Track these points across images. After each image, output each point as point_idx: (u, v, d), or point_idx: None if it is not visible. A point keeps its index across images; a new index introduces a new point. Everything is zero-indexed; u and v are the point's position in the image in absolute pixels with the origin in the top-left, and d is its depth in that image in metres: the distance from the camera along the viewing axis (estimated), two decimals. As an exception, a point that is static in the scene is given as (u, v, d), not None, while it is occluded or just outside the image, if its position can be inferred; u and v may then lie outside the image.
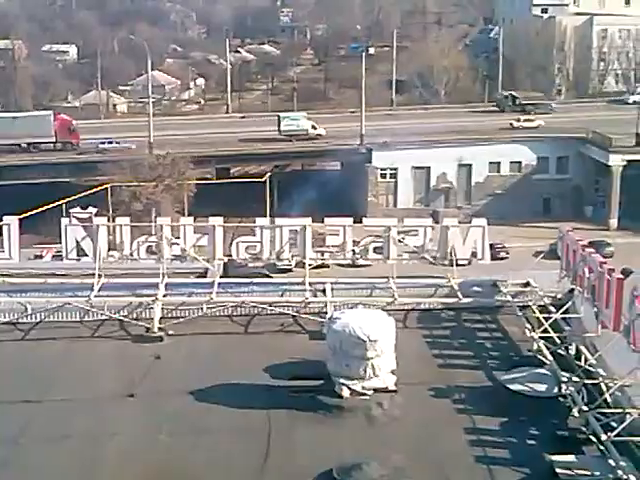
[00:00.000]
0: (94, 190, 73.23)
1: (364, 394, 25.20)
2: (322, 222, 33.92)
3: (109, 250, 33.15)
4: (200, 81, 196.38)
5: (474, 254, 34.45)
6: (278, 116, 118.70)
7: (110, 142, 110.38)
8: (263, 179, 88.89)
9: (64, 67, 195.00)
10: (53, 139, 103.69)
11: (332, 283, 32.80)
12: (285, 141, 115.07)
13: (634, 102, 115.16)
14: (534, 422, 24.12)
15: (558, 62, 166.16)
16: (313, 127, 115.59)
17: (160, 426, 24.09)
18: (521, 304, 31.47)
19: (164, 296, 31.23)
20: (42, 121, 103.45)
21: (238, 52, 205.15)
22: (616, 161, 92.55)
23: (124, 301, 31.26)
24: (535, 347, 28.04)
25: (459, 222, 35.89)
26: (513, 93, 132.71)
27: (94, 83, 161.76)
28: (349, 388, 25.23)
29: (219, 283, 32.00)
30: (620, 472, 20.52)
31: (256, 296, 32.13)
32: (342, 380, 25.28)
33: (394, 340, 25.75)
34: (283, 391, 25.65)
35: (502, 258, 71.81)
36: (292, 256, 34.82)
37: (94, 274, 31.61)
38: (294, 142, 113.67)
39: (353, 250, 33.95)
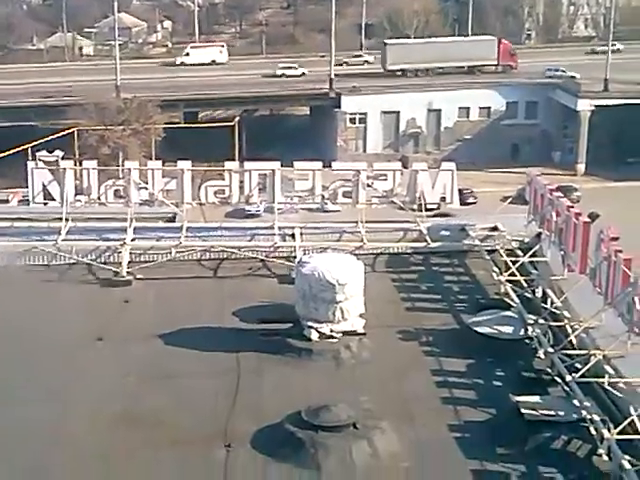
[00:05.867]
0: (61, 134, 72.17)
1: (333, 337, 25.33)
2: (291, 167, 33.81)
3: (76, 194, 32.90)
4: (167, 24, 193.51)
5: (443, 198, 34.56)
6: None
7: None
8: (232, 123, 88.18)
9: (29, 9, 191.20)
10: (495, 62, 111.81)
11: (301, 227, 32.80)
12: (253, 85, 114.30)
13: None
14: (500, 364, 24.42)
15: (528, 6, 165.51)
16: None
17: (129, 369, 24.12)
18: (489, 248, 31.67)
19: (132, 240, 31.09)
20: (487, 45, 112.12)
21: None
22: (584, 106, 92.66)
23: (92, 245, 31.10)
24: (502, 290, 28.31)
25: (428, 167, 35.95)
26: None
27: (59, 25, 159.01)
28: (318, 331, 25.36)
29: (188, 227, 31.88)
30: (584, 412, 20.84)
31: (225, 240, 32.08)
32: (311, 323, 25.39)
33: (363, 284, 25.86)
34: (252, 334, 25.74)
35: (470, 203, 71.98)
36: (261, 201, 34.79)
37: (61, 218, 31.37)
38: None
39: (322, 195, 33.92)
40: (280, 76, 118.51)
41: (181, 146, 74.38)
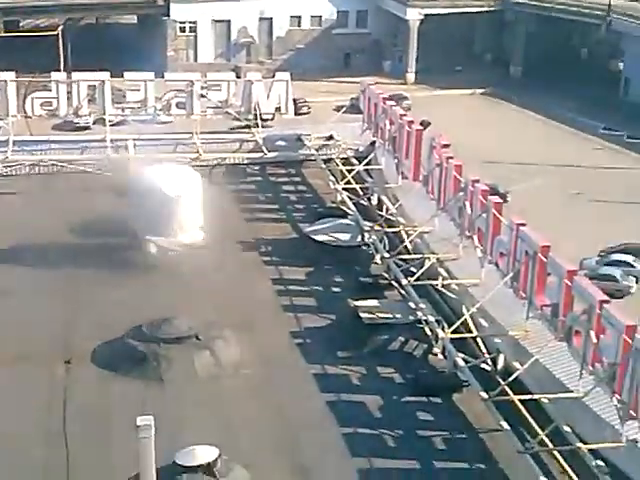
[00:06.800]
0: None
1: (172, 250, 25.10)
2: (121, 77, 32.84)
3: None
4: None
5: (278, 109, 34.50)
6: None
7: None
8: (55, 32, 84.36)
9: None
10: None
11: (134, 140, 32.05)
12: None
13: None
14: (338, 270, 24.88)
15: None
16: None
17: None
18: (325, 157, 31.95)
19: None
20: None
21: None
22: (413, 15, 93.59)
23: None
24: (339, 199, 28.71)
25: (262, 77, 35.70)
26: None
27: None
28: (156, 245, 25.06)
29: (14, 141, 30.63)
30: (420, 314, 21.54)
31: (55, 154, 31.05)
32: (149, 237, 25.04)
33: (200, 195, 25.63)
34: (88, 250, 25.15)
35: (304, 113, 72.02)
36: (91, 113, 33.75)
37: None
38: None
39: (155, 106, 33.18)
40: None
41: (3, 57, 70.80)
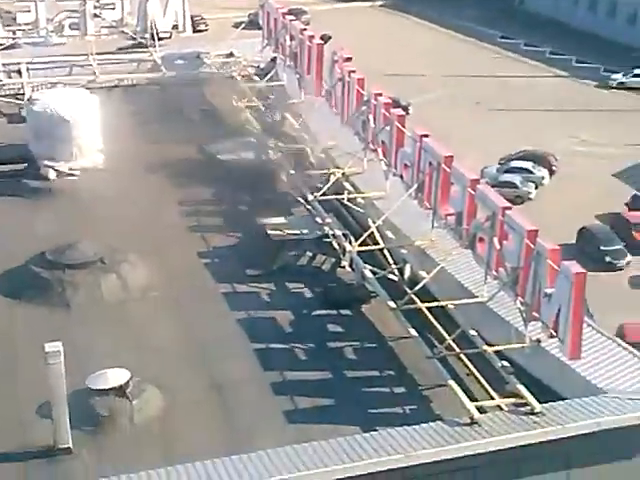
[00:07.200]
0: None
1: (72, 175, 24.57)
2: (10, -2, 31.68)
3: None
4: None
5: (175, 26, 33.73)
6: None
7: None
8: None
9: None
10: None
11: (27, 63, 31.02)
12: None
13: None
14: (246, 189, 24.66)
15: None
16: None
17: None
18: (226, 75, 31.44)
19: None
20: None
21: None
22: None
23: None
24: (242, 117, 28.35)
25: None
26: None
27: None
28: (55, 170, 24.49)
29: None
30: (327, 228, 21.63)
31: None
32: (47, 162, 24.45)
33: (99, 118, 25.02)
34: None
35: (202, 30, 70.74)
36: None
37: None
38: None
39: (47, 27, 32.13)
40: None
41: None
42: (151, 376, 16.54)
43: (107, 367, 16.23)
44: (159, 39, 32.60)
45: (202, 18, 76.38)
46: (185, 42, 33.72)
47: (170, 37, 34.34)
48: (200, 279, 20.81)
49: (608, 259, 43.02)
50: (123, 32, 32.59)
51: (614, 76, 64.78)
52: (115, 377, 15.93)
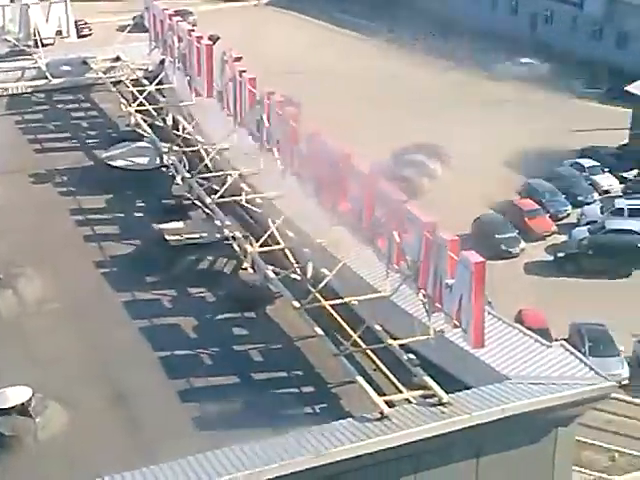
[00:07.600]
0: None
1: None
2: None
3: None
4: None
5: (59, 32, 32.97)
6: None
7: None
8: None
9: None
10: None
11: None
12: None
13: None
14: (140, 195, 24.31)
15: None
16: None
17: None
18: (114, 79, 30.88)
19: None
20: None
21: None
22: None
23: None
24: (133, 121, 27.87)
25: (39, 0, 33.93)
26: None
27: None
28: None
29: None
30: (226, 231, 21.45)
31: None
32: None
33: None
34: None
35: (86, 35, 69.52)
36: None
37: None
38: None
39: None
40: None
41: None
42: (53, 391, 16.11)
43: (7, 385, 15.75)
44: (43, 45, 31.81)
45: (85, 23, 74.95)
46: (70, 48, 32.96)
47: (54, 43, 33.57)
48: (99, 289, 20.36)
49: (503, 247, 43.98)
50: (5, 40, 31.69)
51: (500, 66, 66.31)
52: (16, 395, 15.48)
